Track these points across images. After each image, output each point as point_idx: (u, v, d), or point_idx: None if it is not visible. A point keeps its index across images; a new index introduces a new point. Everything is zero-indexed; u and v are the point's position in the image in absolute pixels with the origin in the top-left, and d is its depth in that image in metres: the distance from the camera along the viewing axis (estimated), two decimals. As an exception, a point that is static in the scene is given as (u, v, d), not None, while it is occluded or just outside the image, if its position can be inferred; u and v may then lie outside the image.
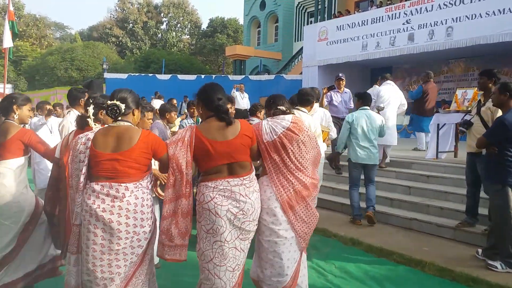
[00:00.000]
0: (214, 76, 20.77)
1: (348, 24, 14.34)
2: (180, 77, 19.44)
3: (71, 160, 2.52)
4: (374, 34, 13.47)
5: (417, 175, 6.71)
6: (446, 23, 11.44)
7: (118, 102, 2.46)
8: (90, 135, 2.50)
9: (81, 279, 2.48)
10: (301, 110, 4.56)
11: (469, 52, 12.15)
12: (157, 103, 5.76)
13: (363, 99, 5.71)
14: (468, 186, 5.03)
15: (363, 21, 13.85)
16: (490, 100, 4.63)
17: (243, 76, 20.50)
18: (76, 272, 2.50)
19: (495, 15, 10.35)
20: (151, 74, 20.35)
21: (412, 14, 12.31)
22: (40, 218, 3.33)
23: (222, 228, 2.52)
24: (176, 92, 14.84)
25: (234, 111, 4.84)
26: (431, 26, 11.81)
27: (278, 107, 3.00)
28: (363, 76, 16.33)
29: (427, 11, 11.92)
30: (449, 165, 6.59)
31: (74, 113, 4.23)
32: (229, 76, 20.87)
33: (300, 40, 21.92)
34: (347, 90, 7.84)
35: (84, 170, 2.44)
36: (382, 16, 13.19)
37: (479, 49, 11.25)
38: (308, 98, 4.67)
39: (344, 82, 7.76)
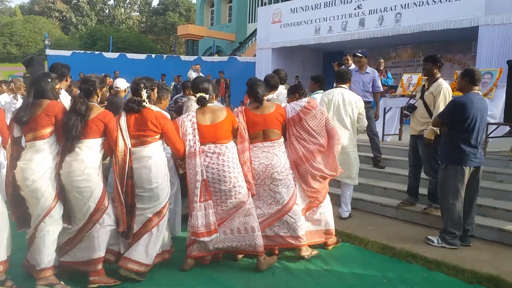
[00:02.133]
0: (165, 56, 20.15)
1: (301, 7, 14.35)
2: (129, 56, 18.68)
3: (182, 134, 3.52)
4: (326, 18, 13.58)
5: (363, 157, 6.86)
6: (395, 9, 11.73)
7: (203, 94, 3.55)
8: (193, 114, 3.60)
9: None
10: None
11: (416, 39, 12.55)
12: (121, 83, 5.42)
13: (319, 82, 5.63)
14: (410, 167, 5.21)
15: (316, 5, 13.90)
16: (433, 85, 4.80)
17: (196, 57, 20.05)
18: (201, 215, 3.47)
19: (441, 2, 10.73)
20: (97, 52, 19.38)
21: (363, 0, 12.50)
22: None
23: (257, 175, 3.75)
24: (125, 71, 14.26)
25: None
26: (381, 12, 12.06)
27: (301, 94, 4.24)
28: (316, 60, 16.50)
29: (377, -3, 12.15)
30: (393, 147, 6.80)
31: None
32: (181, 56, 20.32)
33: (254, 22, 21.70)
34: (370, 70, 6.47)
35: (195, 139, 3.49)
36: (335, 1, 13.30)
37: (425, 35, 11.64)
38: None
39: (363, 60, 6.40)
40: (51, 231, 3.12)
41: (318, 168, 3.91)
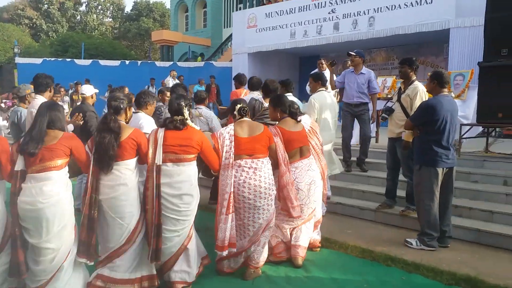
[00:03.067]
0: (140, 62, 19.86)
1: (276, 12, 14.38)
2: (102, 62, 18.33)
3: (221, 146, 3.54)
4: (301, 22, 13.64)
5: (341, 160, 6.87)
6: (368, 13, 11.87)
7: (244, 105, 3.71)
8: (231, 127, 3.63)
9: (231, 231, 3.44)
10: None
11: (390, 42, 12.74)
12: (87, 89, 5.37)
13: (286, 86, 5.60)
14: (389, 170, 5.23)
15: (291, 9, 13.95)
16: (410, 87, 4.84)
17: (171, 62, 19.85)
18: (225, 228, 3.41)
19: (412, 6, 10.92)
20: (69, 59, 18.95)
21: (337, 4, 12.61)
22: None
23: None
24: (98, 78, 13.97)
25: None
26: (355, 16, 12.19)
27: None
28: (292, 64, 16.56)
29: (351, 1, 12.28)
30: (371, 150, 6.82)
31: (42, 99, 4.26)
32: (156, 62, 20.08)
33: (230, 27, 21.67)
34: (366, 70, 6.28)
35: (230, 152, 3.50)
36: (309, 5, 13.37)
37: (398, 39, 11.82)
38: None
39: (357, 60, 6.20)
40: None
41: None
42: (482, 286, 3.40)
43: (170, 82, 12.77)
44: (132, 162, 3.18)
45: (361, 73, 6.21)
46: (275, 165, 3.73)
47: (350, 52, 6.30)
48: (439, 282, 3.52)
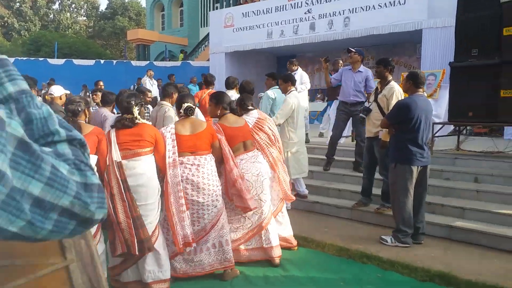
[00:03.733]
0: (115, 61, 19.54)
1: (253, 11, 14.38)
2: (76, 62, 17.94)
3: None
4: (278, 22, 13.69)
5: (318, 159, 6.94)
6: (343, 14, 12.01)
7: (191, 104, 3.63)
8: (172, 126, 3.62)
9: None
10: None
11: (365, 42, 12.91)
12: (56, 90, 5.28)
13: (273, 79, 6.17)
14: (365, 168, 5.31)
15: (268, 9, 13.98)
16: (386, 87, 4.92)
17: (148, 62, 19.60)
18: (185, 226, 3.41)
19: (386, 7, 11.11)
20: (42, 59, 18.47)
21: (313, 4, 12.71)
22: None
23: None
24: (73, 78, 13.67)
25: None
26: (330, 16, 12.31)
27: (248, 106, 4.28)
28: (270, 64, 16.59)
29: (326, 2, 12.39)
30: (347, 149, 6.92)
31: None
32: (132, 61, 19.78)
33: (206, 26, 21.54)
34: (363, 68, 6.16)
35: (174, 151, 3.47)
36: (286, 5, 13.43)
37: (373, 39, 12.00)
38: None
39: (356, 57, 6.08)
40: None
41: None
42: (454, 281, 3.49)
43: (147, 82, 12.59)
44: (92, 159, 3.17)
45: (359, 71, 6.09)
46: (220, 162, 3.78)
47: (350, 49, 6.19)
48: (414, 278, 3.60)
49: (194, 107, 3.68)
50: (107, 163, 3.26)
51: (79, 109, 3.41)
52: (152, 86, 12.55)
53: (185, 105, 3.61)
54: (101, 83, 9.63)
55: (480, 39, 5.66)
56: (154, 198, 3.33)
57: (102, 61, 18.69)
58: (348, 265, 3.94)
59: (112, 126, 3.43)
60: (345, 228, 5.02)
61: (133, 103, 3.37)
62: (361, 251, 4.16)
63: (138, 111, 3.39)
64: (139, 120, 3.38)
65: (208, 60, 16.78)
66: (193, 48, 21.83)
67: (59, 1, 39.89)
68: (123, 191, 3.19)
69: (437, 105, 6.92)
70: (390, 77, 5.00)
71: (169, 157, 3.48)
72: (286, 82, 5.45)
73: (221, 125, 3.86)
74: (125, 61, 20.40)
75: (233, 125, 3.90)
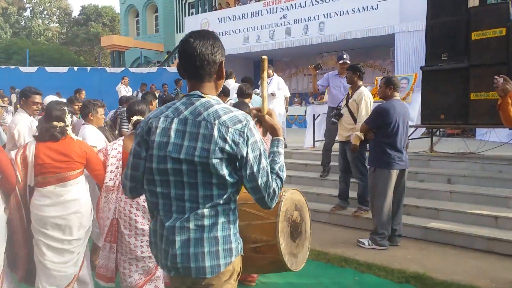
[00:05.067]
0: (89, 68, 19.20)
1: (229, 17, 14.44)
2: (49, 69, 17.53)
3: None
4: (254, 27, 13.77)
5: (296, 164, 6.98)
6: (318, 19, 12.17)
7: (140, 117, 2.94)
8: (119, 142, 2.97)
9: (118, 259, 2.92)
10: None
11: (340, 46, 13.07)
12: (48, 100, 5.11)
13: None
14: (341, 172, 5.35)
15: (243, 14, 14.05)
16: (356, 92, 4.99)
17: (123, 68, 19.33)
18: (104, 256, 2.92)
19: (359, 12, 11.32)
20: (13, 67, 17.99)
21: (288, 9, 12.84)
22: None
23: None
24: (46, 86, 13.33)
25: None
26: (306, 21, 12.46)
27: None
28: (246, 69, 16.61)
29: (301, 7, 12.54)
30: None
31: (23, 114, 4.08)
32: (106, 68, 19.48)
33: (182, 32, 21.45)
34: None
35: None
36: (261, 10, 13.52)
37: (347, 43, 12.19)
38: None
39: (348, 64, 5.79)
40: None
41: None
42: (430, 282, 3.54)
43: (122, 89, 12.39)
44: None
45: (346, 77, 5.64)
46: None
47: (346, 61, 5.83)
48: (391, 280, 3.64)
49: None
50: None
51: None
52: (127, 93, 12.37)
53: (134, 118, 2.96)
54: (83, 93, 9.02)
55: (450, 43, 5.80)
56: (88, 224, 2.98)
57: (75, 68, 18.32)
58: (326, 269, 3.96)
59: (35, 138, 2.89)
60: (323, 232, 5.04)
61: (67, 110, 2.94)
62: (339, 255, 4.19)
63: (70, 121, 2.94)
64: (69, 130, 2.91)
65: (185, 66, 16.69)
66: (168, 54, 21.67)
67: (30, 8, 39.02)
68: (25, 221, 2.82)
69: (410, 108, 7.02)
70: (360, 83, 5.08)
71: (110, 179, 2.88)
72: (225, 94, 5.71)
73: None
74: (99, 68, 20.08)
75: None
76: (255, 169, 1.49)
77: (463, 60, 5.66)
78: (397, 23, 10.69)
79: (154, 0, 24.17)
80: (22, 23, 38.22)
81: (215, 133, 1.48)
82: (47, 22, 39.79)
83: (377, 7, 11.03)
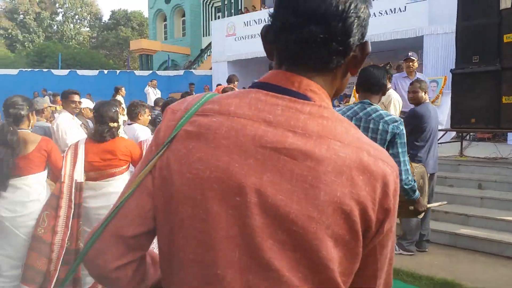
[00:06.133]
0: (118, 71, 19.68)
1: (254, 20, 14.51)
2: (80, 72, 18.09)
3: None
4: (280, 30, 13.80)
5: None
6: (344, 21, 12.09)
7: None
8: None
9: None
10: None
11: (366, 49, 12.98)
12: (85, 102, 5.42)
13: None
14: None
15: (269, 18, 14.11)
16: (384, 96, 4.94)
17: (151, 71, 19.73)
18: None
19: (387, 14, 11.18)
20: (46, 70, 18.65)
21: (314, 12, 12.82)
22: None
23: None
24: (76, 88, 13.73)
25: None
26: (331, 23, 12.40)
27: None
28: (271, 72, 16.69)
29: (327, 9, 12.49)
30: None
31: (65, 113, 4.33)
32: (135, 71, 19.95)
33: (209, 35, 21.72)
34: (420, 75, 5.62)
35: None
36: (287, 13, 13.54)
37: (375, 45, 12.02)
38: None
39: (415, 64, 5.66)
40: None
41: None
42: (458, 289, 3.48)
43: (151, 91, 12.64)
44: (42, 176, 2.93)
45: (416, 78, 5.33)
46: None
47: (412, 57, 5.64)
48: (418, 286, 3.59)
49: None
50: (62, 180, 2.87)
51: (22, 113, 2.87)
52: (155, 96, 12.62)
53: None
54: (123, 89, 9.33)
55: (481, 46, 5.68)
56: None
57: (105, 71, 18.83)
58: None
59: (89, 138, 3.07)
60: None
61: (118, 111, 3.13)
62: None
63: (121, 121, 3.16)
64: (120, 130, 3.10)
65: (211, 69, 16.89)
66: (195, 57, 21.98)
67: (62, 13, 40.34)
68: (71, 216, 2.82)
69: (439, 112, 6.91)
70: (388, 85, 4.99)
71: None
72: None
73: None
74: (128, 71, 20.58)
75: None
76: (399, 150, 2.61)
77: (494, 63, 5.52)
78: (426, 25, 10.51)
79: (182, 5, 24.57)
80: (54, 28, 39.53)
81: (380, 127, 2.54)
82: (78, 26, 41.02)
83: (405, 9, 10.88)
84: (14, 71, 17.69)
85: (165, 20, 26.37)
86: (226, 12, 19.68)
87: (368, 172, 0.72)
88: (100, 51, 35.81)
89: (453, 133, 6.88)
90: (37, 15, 37.96)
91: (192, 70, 19.04)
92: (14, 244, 2.79)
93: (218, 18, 21.62)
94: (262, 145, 0.72)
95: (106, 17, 41.27)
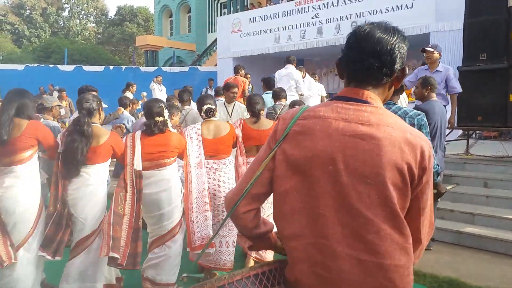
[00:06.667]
0: (124, 67, 19.73)
1: (260, 17, 14.45)
2: (86, 68, 18.15)
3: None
4: (285, 27, 13.72)
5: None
6: (351, 18, 12.01)
7: (211, 106, 3.66)
8: (198, 126, 3.65)
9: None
10: None
11: (372, 46, 12.91)
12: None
13: (266, 84, 6.43)
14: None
15: (275, 14, 14.04)
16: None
17: (156, 67, 19.76)
18: (208, 225, 3.39)
19: (393, 11, 11.10)
20: (52, 65, 18.73)
21: (320, 9, 12.74)
22: None
23: None
24: (82, 84, 13.79)
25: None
26: (338, 20, 12.32)
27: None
28: (277, 68, 16.56)
29: (333, 6, 12.41)
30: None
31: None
32: (140, 67, 19.97)
33: (214, 31, 21.70)
34: (443, 67, 5.32)
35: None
36: (293, 10, 13.47)
37: (380, 43, 11.98)
38: None
39: (434, 56, 5.29)
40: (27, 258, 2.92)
41: None
42: (462, 287, 3.46)
43: (156, 87, 12.66)
44: (104, 166, 3.17)
45: (437, 70, 5.28)
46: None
47: (427, 48, 5.36)
48: (423, 285, 3.58)
49: (214, 108, 3.68)
50: (124, 169, 3.20)
51: (94, 106, 3.15)
52: (160, 92, 12.64)
53: (205, 107, 3.65)
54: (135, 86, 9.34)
55: (488, 43, 5.62)
56: (178, 200, 3.33)
57: (111, 67, 18.88)
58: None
59: (142, 131, 3.33)
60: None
61: (163, 106, 3.37)
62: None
63: (168, 114, 3.40)
64: (169, 124, 3.38)
65: (216, 65, 16.88)
66: (200, 53, 21.97)
67: (69, 8, 40.45)
68: (135, 201, 3.12)
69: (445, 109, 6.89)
70: None
71: (196, 157, 3.51)
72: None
73: (244, 123, 3.91)
74: (133, 67, 20.62)
75: (252, 126, 3.86)
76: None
77: (502, 61, 5.47)
78: (433, 22, 10.41)
79: (188, 1, 24.56)
80: (60, 23, 39.67)
81: (407, 121, 2.67)
82: (84, 22, 41.14)
83: (412, 6, 10.78)
84: (20, 67, 17.79)
85: (171, 16, 26.37)
86: (232, 8, 19.63)
87: (411, 144, 1.18)
88: (106, 47, 35.90)
89: (459, 131, 6.83)
90: (44, 10, 38.11)
91: (198, 67, 19.03)
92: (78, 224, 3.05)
93: (224, 14, 21.57)
94: (343, 134, 1.20)
95: (112, 13, 41.27)
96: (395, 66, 1.26)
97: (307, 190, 1.22)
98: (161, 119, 3.28)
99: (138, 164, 3.17)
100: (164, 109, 3.33)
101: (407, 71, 1.20)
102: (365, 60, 1.23)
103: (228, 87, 5.38)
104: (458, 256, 4.22)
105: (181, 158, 3.47)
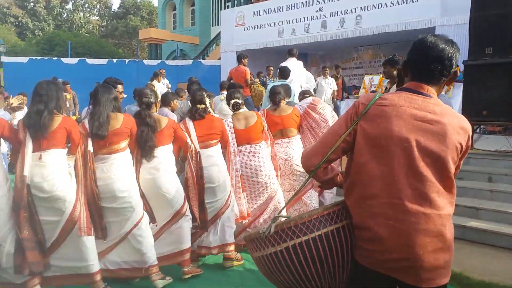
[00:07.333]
0: (127, 60, 19.69)
1: (264, 10, 14.38)
2: (89, 61, 18.10)
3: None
4: (289, 20, 13.65)
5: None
6: (355, 12, 11.94)
7: (238, 100, 4.16)
8: (230, 119, 4.19)
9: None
10: None
11: (377, 40, 12.84)
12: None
13: (281, 73, 6.82)
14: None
15: (279, 8, 13.97)
16: (394, 86, 4.89)
17: (159, 61, 19.72)
18: (243, 204, 4.11)
19: (398, 4, 11.01)
20: (55, 58, 18.70)
21: (325, 2, 12.65)
22: None
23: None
24: (85, 77, 13.81)
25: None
26: (342, 14, 12.24)
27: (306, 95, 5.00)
28: (280, 62, 16.54)
29: (338, 0, 12.33)
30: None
31: None
32: (144, 60, 19.93)
33: (218, 25, 21.60)
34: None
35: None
36: (297, 3, 13.39)
37: (385, 36, 11.92)
38: None
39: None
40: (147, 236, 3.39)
41: None
42: (467, 282, 3.47)
43: (157, 85, 12.58)
44: (170, 147, 3.68)
45: None
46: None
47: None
48: (426, 278, 3.57)
49: (240, 102, 4.16)
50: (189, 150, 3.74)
51: (152, 100, 3.61)
52: (163, 85, 12.61)
53: (232, 101, 4.16)
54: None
55: (495, 37, 5.58)
56: (224, 176, 3.87)
57: (114, 60, 18.84)
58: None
59: (189, 117, 3.89)
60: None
61: (205, 95, 3.87)
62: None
63: (209, 102, 3.92)
64: (210, 110, 3.93)
65: (219, 59, 16.83)
66: (204, 47, 21.91)
67: (72, 1, 40.35)
68: (199, 177, 3.72)
69: (450, 104, 6.86)
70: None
71: (231, 146, 4.08)
72: None
73: (266, 111, 4.48)
74: (137, 60, 20.58)
75: (274, 113, 4.39)
76: None
77: (508, 55, 5.43)
78: (438, 16, 10.33)
79: (191, -7, 24.46)
80: (64, 16, 39.60)
81: None
82: (88, 15, 41.07)
83: (417, 0, 10.71)
84: (24, 59, 17.77)
85: (174, 9, 26.28)
86: (235, 2, 19.54)
87: (463, 128, 1.62)
88: (109, 40, 35.85)
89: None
90: (47, 3, 38.04)
91: (201, 60, 18.98)
92: (161, 200, 3.54)
93: (228, 7, 21.47)
94: (415, 119, 1.59)
95: (115, 6, 41.25)
96: (452, 69, 1.63)
97: (385, 161, 1.59)
98: (202, 106, 3.84)
99: (196, 145, 3.78)
100: (205, 97, 3.85)
101: (458, 73, 1.62)
102: (430, 64, 1.62)
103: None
104: (462, 250, 4.21)
105: (223, 142, 4.02)
